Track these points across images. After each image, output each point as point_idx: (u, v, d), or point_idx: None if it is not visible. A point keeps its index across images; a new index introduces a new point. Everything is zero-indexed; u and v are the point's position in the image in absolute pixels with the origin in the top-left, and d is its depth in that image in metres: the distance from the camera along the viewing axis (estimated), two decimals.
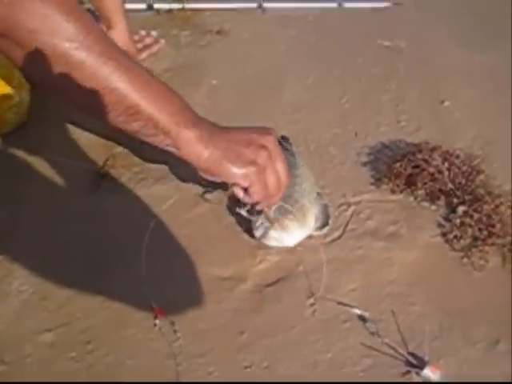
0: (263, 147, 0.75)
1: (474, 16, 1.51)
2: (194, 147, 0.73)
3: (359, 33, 1.45)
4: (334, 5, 1.54)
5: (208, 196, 0.96)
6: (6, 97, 1.06)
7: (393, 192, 0.98)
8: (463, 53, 1.37)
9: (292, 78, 1.28)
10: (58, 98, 0.75)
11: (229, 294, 0.84)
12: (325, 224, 0.91)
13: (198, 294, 0.83)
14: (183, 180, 0.99)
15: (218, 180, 0.78)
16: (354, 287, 0.84)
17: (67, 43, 0.64)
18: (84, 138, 1.09)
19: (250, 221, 0.87)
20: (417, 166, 0.98)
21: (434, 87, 1.25)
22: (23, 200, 0.98)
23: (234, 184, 0.77)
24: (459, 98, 1.21)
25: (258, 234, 0.86)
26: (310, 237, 0.90)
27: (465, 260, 0.88)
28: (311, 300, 0.83)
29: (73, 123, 1.12)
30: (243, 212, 0.86)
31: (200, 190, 0.97)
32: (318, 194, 0.95)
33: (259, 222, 0.86)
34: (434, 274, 0.86)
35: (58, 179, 1.02)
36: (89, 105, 0.70)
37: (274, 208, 0.85)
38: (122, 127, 0.73)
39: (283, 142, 1.01)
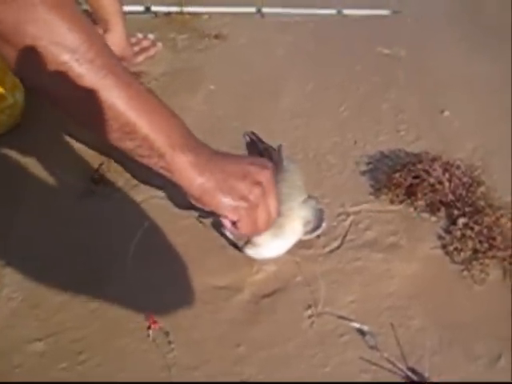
0: (258, 183, 0.73)
1: (474, 24, 1.51)
2: (188, 173, 0.71)
3: (358, 40, 1.44)
4: (334, 11, 1.53)
5: (203, 220, 0.94)
6: (0, 98, 1.04)
7: (392, 202, 0.97)
8: (463, 61, 1.36)
9: (290, 84, 1.26)
10: (52, 106, 0.72)
11: (225, 304, 0.82)
12: (317, 227, 0.88)
13: (194, 304, 0.81)
14: (180, 207, 0.95)
15: (207, 209, 0.76)
16: (352, 299, 0.83)
17: (69, 54, 0.62)
18: (79, 141, 1.07)
19: None
20: (417, 177, 0.97)
21: (433, 96, 1.24)
22: (16, 203, 0.96)
23: (223, 215, 0.75)
24: (459, 107, 1.20)
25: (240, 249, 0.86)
26: (308, 247, 0.88)
27: (465, 273, 0.86)
28: (309, 312, 0.81)
29: (68, 126, 1.10)
30: (227, 234, 0.85)
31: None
32: (314, 198, 0.92)
33: (236, 241, 0.85)
34: (433, 287, 0.85)
35: (51, 183, 1.00)
36: (84, 117, 0.68)
37: None
38: (116, 144, 0.70)
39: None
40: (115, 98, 0.66)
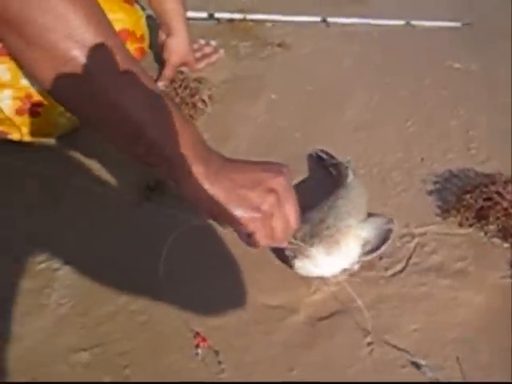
0: (271, 191, 0.68)
1: None
2: (197, 185, 0.66)
3: (427, 53, 1.39)
4: (402, 22, 1.48)
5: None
6: None
7: (461, 225, 0.91)
8: None
9: (355, 95, 1.22)
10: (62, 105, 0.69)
11: (279, 325, 0.77)
12: (376, 248, 0.83)
13: (246, 323, 0.77)
14: None
15: (220, 222, 0.71)
16: (415, 328, 0.77)
17: (80, 49, 0.58)
18: None
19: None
20: (489, 199, 0.90)
21: (506, 113, 1.18)
22: (71, 207, 0.95)
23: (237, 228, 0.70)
24: None
25: (289, 263, 0.81)
26: (369, 269, 0.83)
27: None
28: (368, 339, 0.76)
29: None
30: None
31: None
32: (384, 217, 0.88)
33: (287, 251, 0.80)
34: (503, 320, 0.78)
35: (107, 188, 0.98)
36: (93, 119, 0.63)
37: (300, 234, 0.79)
38: (126, 149, 0.65)
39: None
40: (126, 99, 0.61)
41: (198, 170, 0.65)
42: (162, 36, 1.25)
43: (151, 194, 0.97)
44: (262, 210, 0.67)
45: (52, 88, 0.61)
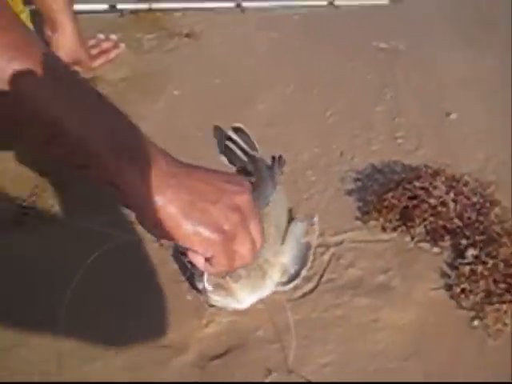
0: (235, 208, 0.55)
1: (480, 15, 1.37)
2: (140, 190, 0.52)
3: (352, 34, 1.31)
4: (324, 3, 1.39)
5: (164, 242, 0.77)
6: None
7: (384, 230, 0.81)
8: (470, 57, 1.21)
9: (269, 86, 1.11)
10: None
11: (162, 369, 0.64)
12: (292, 279, 0.72)
13: (126, 368, 0.64)
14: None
15: (169, 241, 0.57)
16: (328, 361, 0.66)
17: None
18: (9, 166, 0.91)
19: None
20: (414, 197, 0.81)
21: (437, 97, 1.10)
22: None
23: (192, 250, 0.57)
24: (468, 109, 1.06)
25: (199, 287, 0.67)
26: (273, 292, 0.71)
27: (476, 322, 0.70)
28: (271, 378, 0.63)
29: None
30: (186, 262, 0.67)
31: None
32: (302, 220, 0.78)
33: (202, 278, 0.66)
34: (435, 342, 0.68)
35: None
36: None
37: None
38: (45, 153, 0.53)
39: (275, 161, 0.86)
40: (33, 87, 0.48)
41: (141, 171, 0.51)
42: (48, 33, 1.12)
43: (25, 218, 0.83)
44: (224, 230, 0.54)
45: None
